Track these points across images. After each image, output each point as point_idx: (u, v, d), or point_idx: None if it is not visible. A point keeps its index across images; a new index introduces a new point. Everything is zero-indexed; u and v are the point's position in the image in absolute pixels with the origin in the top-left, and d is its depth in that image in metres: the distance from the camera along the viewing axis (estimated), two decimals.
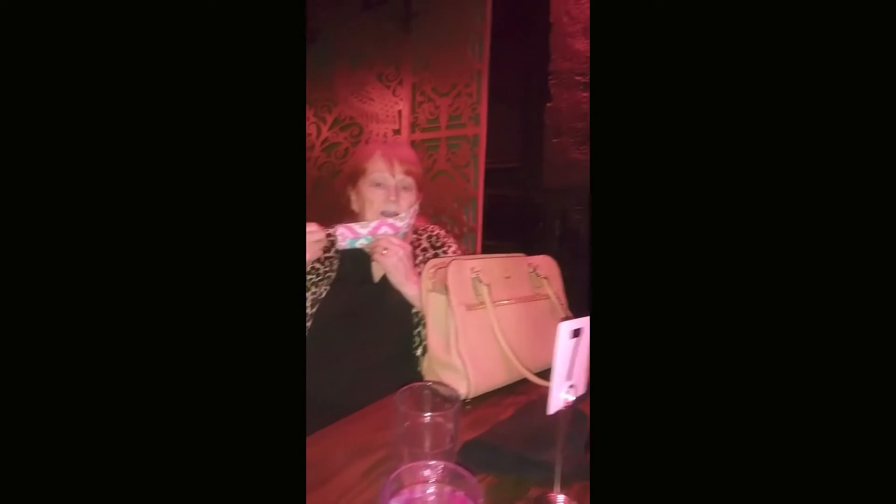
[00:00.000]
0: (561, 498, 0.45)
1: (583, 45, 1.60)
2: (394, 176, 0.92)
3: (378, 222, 0.89)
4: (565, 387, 0.43)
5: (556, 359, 0.42)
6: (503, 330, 0.71)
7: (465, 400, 0.68)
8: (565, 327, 0.42)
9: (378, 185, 0.92)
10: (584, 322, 0.44)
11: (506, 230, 1.88)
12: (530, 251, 0.88)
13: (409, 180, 0.94)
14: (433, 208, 2.11)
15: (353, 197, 0.98)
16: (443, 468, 0.38)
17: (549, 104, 1.67)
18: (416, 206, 0.95)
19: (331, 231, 0.88)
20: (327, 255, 0.98)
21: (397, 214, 0.90)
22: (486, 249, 1.92)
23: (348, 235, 0.89)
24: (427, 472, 0.38)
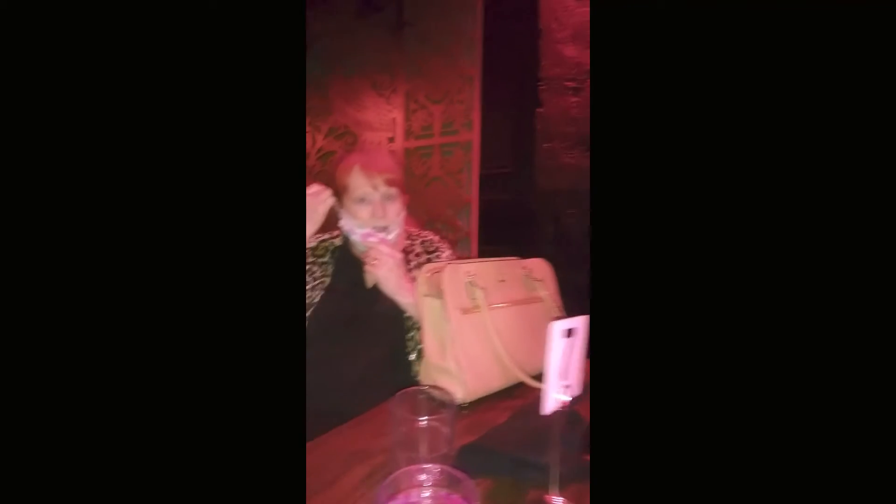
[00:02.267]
0: (559, 500, 0.45)
1: (572, 50, 1.61)
2: (376, 189, 0.91)
3: (370, 231, 0.90)
4: (560, 386, 0.43)
5: (548, 358, 0.42)
6: (499, 333, 0.71)
7: (461, 404, 0.68)
8: (557, 326, 0.42)
9: (362, 200, 0.91)
10: (577, 321, 0.44)
11: (501, 234, 1.89)
12: (526, 255, 0.89)
13: (393, 190, 0.92)
14: (428, 215, 2.11)
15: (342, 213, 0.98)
16: (439, 471, 0.38)
17: (539, 109, 1.69)
18: (404, 213, 0.95)
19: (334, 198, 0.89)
20: (322, 259, 0.98)
21: (386, 228, 0.91)
22: (483, 254, 1.92)
23: (346, 225, 0.92)
24: (423, 476, 0.38)
